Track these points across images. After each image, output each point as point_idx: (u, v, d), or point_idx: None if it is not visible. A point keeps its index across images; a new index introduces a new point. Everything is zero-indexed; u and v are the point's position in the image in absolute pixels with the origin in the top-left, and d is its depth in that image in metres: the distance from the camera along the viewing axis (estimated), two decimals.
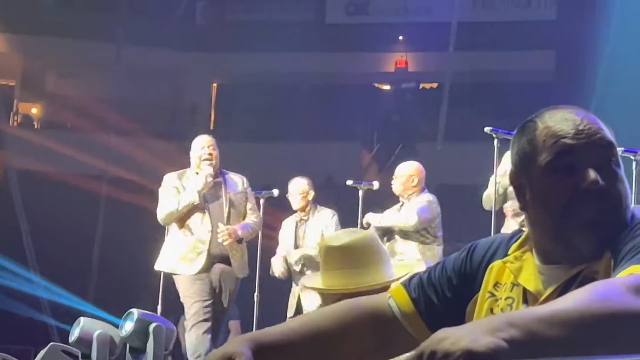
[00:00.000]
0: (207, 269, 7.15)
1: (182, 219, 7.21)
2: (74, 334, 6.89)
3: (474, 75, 18.20)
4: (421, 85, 20.52)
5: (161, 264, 7.38)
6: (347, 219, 8.26)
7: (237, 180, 7.43)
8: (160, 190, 7.35)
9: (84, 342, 6.64)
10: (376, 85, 21.06)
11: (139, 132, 18.60)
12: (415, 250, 7.78)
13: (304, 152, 17.34)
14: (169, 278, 7.75)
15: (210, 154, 7.23)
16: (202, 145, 7.27)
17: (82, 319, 7.03)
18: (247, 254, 7.41)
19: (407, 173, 7.89)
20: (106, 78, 18.94)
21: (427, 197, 7.88)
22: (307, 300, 7.92)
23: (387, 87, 21.01)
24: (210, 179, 7.13)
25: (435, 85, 20.21)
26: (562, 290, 1.83)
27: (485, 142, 6.72)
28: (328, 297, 3.15)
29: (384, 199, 8.19)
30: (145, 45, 18.42)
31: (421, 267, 7.32)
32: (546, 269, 1.91)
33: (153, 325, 6.78)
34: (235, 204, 7.33)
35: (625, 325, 1.51)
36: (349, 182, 8.06)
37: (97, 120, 18.61)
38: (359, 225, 7.77)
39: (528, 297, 1.92)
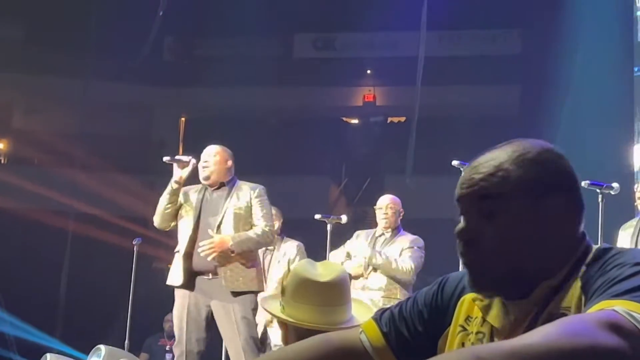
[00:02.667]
0: (186, 284, 6.53)
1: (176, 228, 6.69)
2: None
3: (441, 109, 18.28)
4: (389, 119, 20.59)
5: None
6: (315, 253, 8.24)
7: (245, 192, 6.83)
8: None
9: None
10: (344, 119, 21.10)
11: (106, 167, 18.52)
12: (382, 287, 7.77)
13: (272, 186, 17.23)
14: (135, 313, 7.63)
15: (206, 161, 6.75)
16: (203, 155, 6.83)
17: (48, 355, 6.98)
18: (249, 269, 6.62)
19: (395, 205, 7.86)
20: (73, 113, 18.83)
21: (418, 242, 7.77)
22: (274, 333, 7.89)
23: (355, 121, 21.05)
24: (189, 166, 6.65)
25: (403, 119, 20.26)
26: (529, 325, 1.83)
27: (453, 175, 6.73)
28: (297, 330, 3.13)
29: (352, 233, 8.18)
30: (112, 81, 18.37)
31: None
32: (511, 304, 1.91)
33: None
34: (234, 217, 6.69)
35: None
36: (317, 216, 8.00)
37: (64, 156, 18.51)
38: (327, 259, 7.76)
39: (495, 334, 1.92)
